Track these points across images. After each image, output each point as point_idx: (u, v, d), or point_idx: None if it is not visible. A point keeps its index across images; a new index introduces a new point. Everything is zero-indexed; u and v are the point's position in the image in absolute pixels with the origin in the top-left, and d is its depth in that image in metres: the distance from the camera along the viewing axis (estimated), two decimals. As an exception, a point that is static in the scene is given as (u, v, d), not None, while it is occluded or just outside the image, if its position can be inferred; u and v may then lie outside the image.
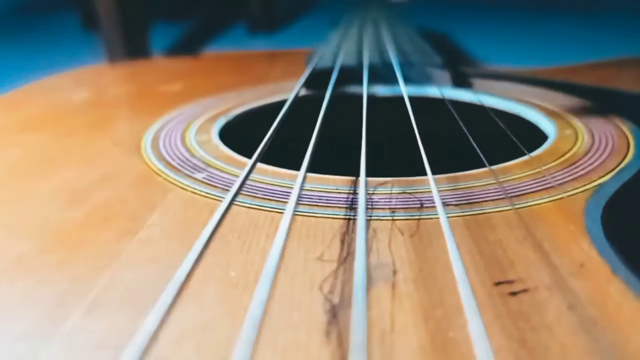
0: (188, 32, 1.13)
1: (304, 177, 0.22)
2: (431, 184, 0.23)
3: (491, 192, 0.24)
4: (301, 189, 0.22)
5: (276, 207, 0.23)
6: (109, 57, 0.80)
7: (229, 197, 0.20)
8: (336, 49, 0.51)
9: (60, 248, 0.21)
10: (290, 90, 0.38)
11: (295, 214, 0.22)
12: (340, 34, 0.60)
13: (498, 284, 0.18)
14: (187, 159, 0.29)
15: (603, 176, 0.25)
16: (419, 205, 0.23)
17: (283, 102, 0.32)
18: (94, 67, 0.60)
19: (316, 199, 0.24)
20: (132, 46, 0.81)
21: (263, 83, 0.47)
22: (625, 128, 0.32)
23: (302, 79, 0.41)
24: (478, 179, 0.25)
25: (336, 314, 0.16)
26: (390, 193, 0.24)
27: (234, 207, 0.23)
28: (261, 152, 0.25)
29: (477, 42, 0.82)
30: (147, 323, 0.14)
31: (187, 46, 1.03)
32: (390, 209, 0.23)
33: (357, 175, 0.25)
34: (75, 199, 0.25)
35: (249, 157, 0.29)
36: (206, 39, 1.09)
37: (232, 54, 0.67)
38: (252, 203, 0.24)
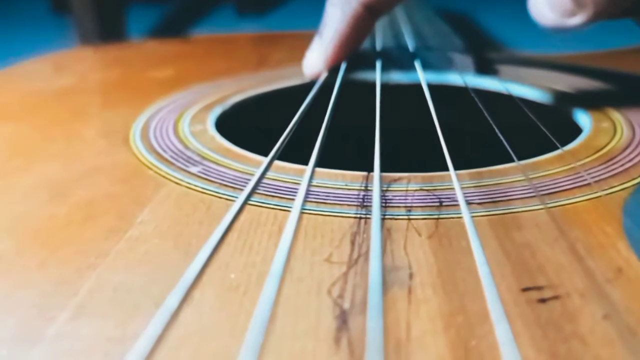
0: (168, 15, 1.13)
1: (313, 172, 0.22)
2: (453, 180, 0.23)
3: (519, 190, 0.24)
4: (309, 184, 0.22)
5: (280, 204, 0.24)
6: (81, 43, 0.80)
7: (242, 197, 0.21)
8: None
9: (42, 248, 0.21)
10: (293, 76, 0.39)
11: (301, 212, 0.23)
12: None
13: (526, 290, 0.18)
14: (180, 151, 0.30)
15: (644, 173, 0.26)
16: (438, 204, 0.23)
17: (285, 90, 0.33)
18: (76, 50, 0.61)
19: (324, 195, 0.24)
20: (107, 30, 0.81)
21: (262, 68, 0.47)
22: (670, 120, 0.32)
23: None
24: (505, 175, 0.26)
25: (346, 320, 0.17)
26: (406, 190, 0.25)
27: (233, 205, 0.23)
28: (279, 147, 0.25)
29: (503, 23, 0.82)
30: (150, 329, 0.14)
31: (167, 30, 1.03)
32: (406, 207, 0.23)
33: (370, 170, 0.25)
34: (57, 194, 0.25)
35: (248, 149, 0.29)
36: (189, 22, 1.09)
37: (227, 36, 0.67)
38: (254, 200, 0.24)
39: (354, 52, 0.37)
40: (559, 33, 0.29)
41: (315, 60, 0.36)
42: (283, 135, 0.26)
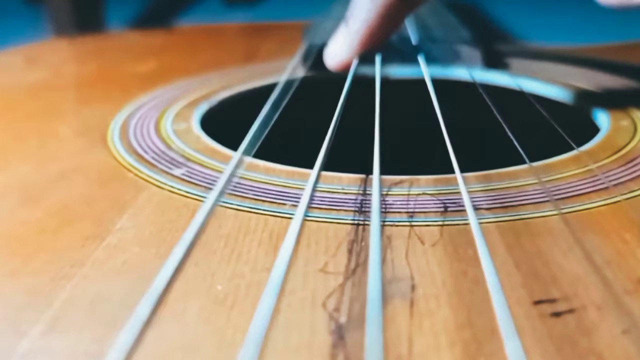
0: (151, 3, 1.13)
1: (318, 176, 0.22)
2: (459, 183, 0.23)
3: (531, 194, 0.24)
4: (314, 189, 0.22)
5: (270, 209, 0.24)
6: (56, 33, 0.80)
7: (213, 195, 0.21)
8: (340, 21, 0.52)
9: (13, 256, 0.21)
10: (285, 70, 0.39)
11: (291, 217, 0.23)
12: (345, 3, 0.60)
13: (538, 302, 0.18)
14: (162, 151, 0.30)
15: (666, 176, 0.26)
16: (442, 209, 0.23)
17: (276, 85, 0.33)
18: (50, 41, 0.61)
19: (318, 200, 0.24)
20: (84, 20, 0.81)
21: (252, 62, 0.48)
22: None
23: (299, 57, 0.41)
24: (515, 178, 0.26)
25: (343, 335, 0.17)
26: (408, 194, 0.25)
27: (219, 210, 0.23)
28: (250, 142, 0.25)
29: (514, 13, 0.82)
30: (118, 344, 0.14)
31: (149, 20, 1.03)
32: (407, 212, 0.23)
33: (368, 172, 0.25)
34: (30, 198, 0.26)
35: (237, 149, 0.29)
36: (173, 12, 1.09)
37: (213, 27, 0.67)
38: (242, 205, 0.24)
39: (381, 45, 0.36)
40: (625, 12, 0.29)
41: (339, 50, 0.35)
42: (252, 129, 0.25)
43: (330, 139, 0.25)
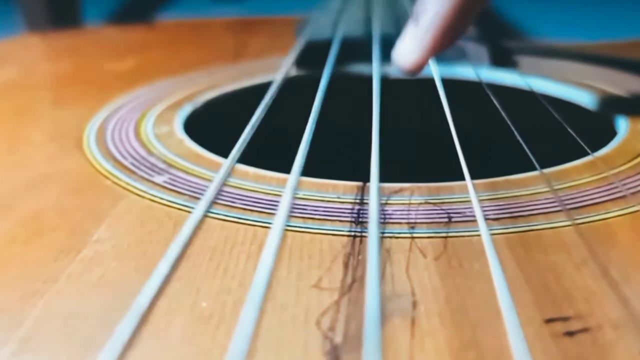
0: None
1: (297, 182, 0.22)
2: (470, 191, 0.23)
3: (542, 203, 0.24)
4: (293, 197, 0.22)
5: (260, 220, 0.24)
6: (28, 28, 0.80)
7: (201, 206, 0.21)
8: (336, 15, 0.52)
9: (-21, 270, 0.21)
10: (276, 69, 0.39)
11: (285, 229, 0.23)
12: None
13: (550, 321, 0.18)
14: (142, 157, 0.30)
15: (688, 183, 0.26)
16: (446, 219, 0.23)
17: (266, 85, 0.33)
18: (21, 37, 0.61)
19: (312, 210, 0.24)
20: (58, 14, 0.81)
21: (239, 59, 0.48)
22: None
23: (292, 55, 0.41)
24: (525, 186, 0.26)
25: (338, 357, 0.17)
26: (409, 203, 0.25)
27: (205, 220, 0.23)
28: (240, 148, 0.25)
29: (524, 7, 0.83)
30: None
31: (129, 14, 1.03)
32: (408, 223, 0.23)
33: (366, 180, 0.25)
34: (-2, 207, 0.26)
35: (223, 155, 0.29)
36: (154, 5, 1.09)
37: (198, 21, 0.67)
38: (229, 215, 0.24)
39: (455, 42, 0.35)
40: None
41: (410, 50, 0.34)
42: (243, 134, 0.25)
43: (307, 142, 0.25)
